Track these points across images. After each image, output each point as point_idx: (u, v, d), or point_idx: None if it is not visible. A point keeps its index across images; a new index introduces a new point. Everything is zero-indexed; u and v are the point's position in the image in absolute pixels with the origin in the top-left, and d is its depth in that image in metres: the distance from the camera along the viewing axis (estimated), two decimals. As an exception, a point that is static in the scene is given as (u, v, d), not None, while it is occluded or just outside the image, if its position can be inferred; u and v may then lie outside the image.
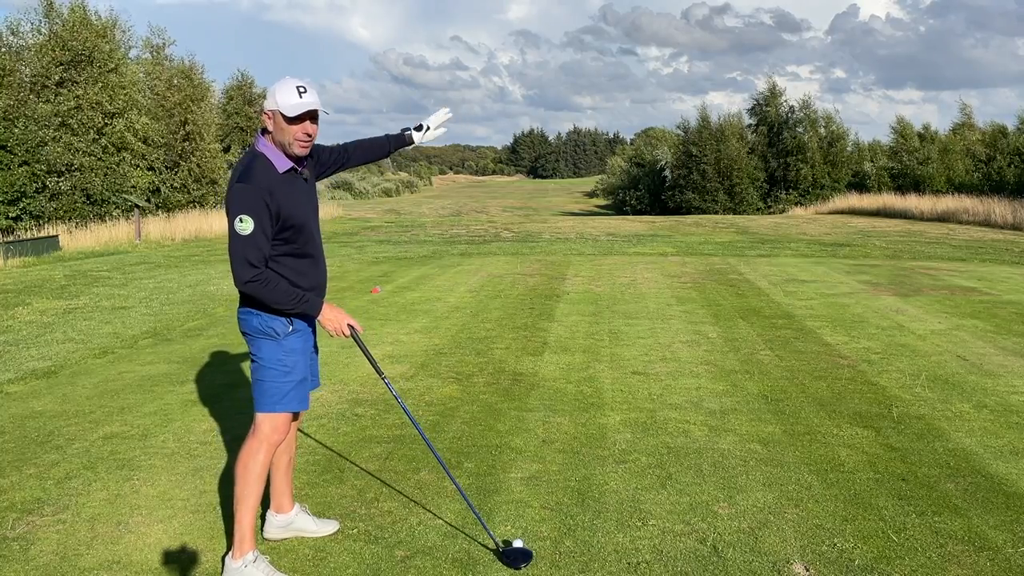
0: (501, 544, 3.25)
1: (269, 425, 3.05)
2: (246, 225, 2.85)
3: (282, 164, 2.99)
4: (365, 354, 3.27)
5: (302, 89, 2.95)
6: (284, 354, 3.04)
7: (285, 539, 3.39)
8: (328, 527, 3.45)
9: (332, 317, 3.10)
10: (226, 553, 3.11)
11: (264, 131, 3.05)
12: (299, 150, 3.00)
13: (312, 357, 3.28)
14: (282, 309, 2.99)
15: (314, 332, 3.28)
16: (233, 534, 3.06)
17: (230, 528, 3.20)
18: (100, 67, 23.45)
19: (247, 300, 3.04)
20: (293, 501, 3.45)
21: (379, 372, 3.35)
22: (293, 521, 3.40)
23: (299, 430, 4.74)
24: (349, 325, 3.13)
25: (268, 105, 2.98)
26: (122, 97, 23.79)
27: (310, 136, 3.01)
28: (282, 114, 2.93)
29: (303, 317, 3.10)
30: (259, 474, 3.05)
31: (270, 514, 3.40)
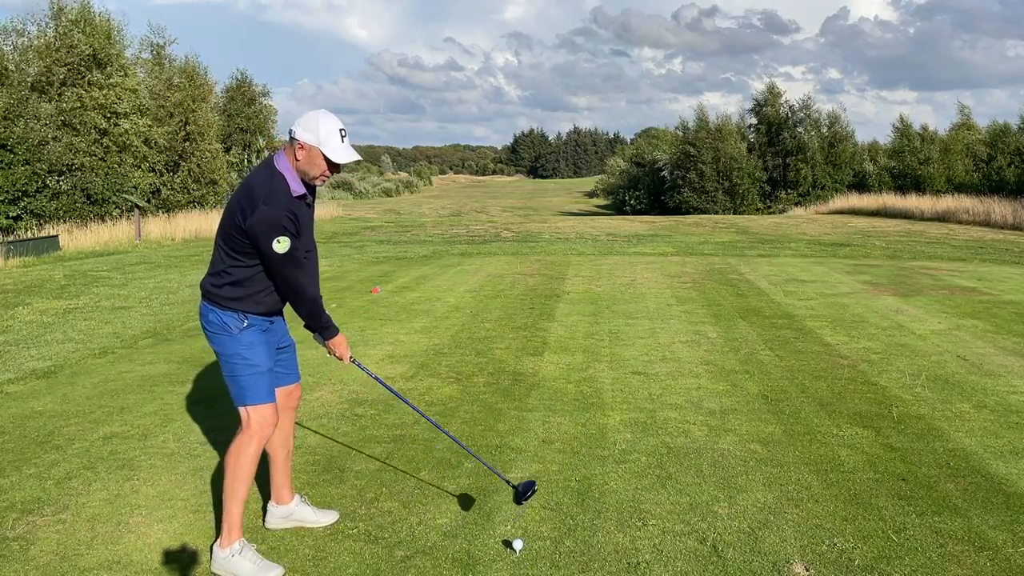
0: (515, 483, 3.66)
1: (257, 418, 3.13)
2: (283, 245, 2.97)
3: (297, 188, 3.06)
4: (369, 374, 3.62)
5: (343, 132, 3.03)
6: (242, 347, 3.13)
7: (286, 529, 3.44)
8: (328, 517, 3.51)
9: (340, 342, 3.34)
10: (214, 541, 3.14)
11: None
12: (320, 183, 3.12)
13: (282, 353, 3.37)
14: (304, 321, 3.23)
15: (283, 324, 3.38)
16: (222, 523, 3.12)
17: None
18: (108, 69, 23.43)
19: (208, 295, 3.14)
20: (292, 492, 3.52)
21: (394, 391, 3.68)
22: (293, 512, 3.47)
23: (297, 424, 4.74)
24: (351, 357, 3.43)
25: (306, 138, 2.99)
26: (128, 100, 23.76)
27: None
28: (325, 155, 3.00)
29: (268, 316, 3.22)
30: (249, 467, 3.12)
31: (271, 505, 3.48)
